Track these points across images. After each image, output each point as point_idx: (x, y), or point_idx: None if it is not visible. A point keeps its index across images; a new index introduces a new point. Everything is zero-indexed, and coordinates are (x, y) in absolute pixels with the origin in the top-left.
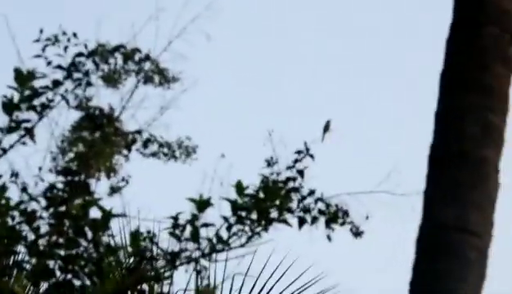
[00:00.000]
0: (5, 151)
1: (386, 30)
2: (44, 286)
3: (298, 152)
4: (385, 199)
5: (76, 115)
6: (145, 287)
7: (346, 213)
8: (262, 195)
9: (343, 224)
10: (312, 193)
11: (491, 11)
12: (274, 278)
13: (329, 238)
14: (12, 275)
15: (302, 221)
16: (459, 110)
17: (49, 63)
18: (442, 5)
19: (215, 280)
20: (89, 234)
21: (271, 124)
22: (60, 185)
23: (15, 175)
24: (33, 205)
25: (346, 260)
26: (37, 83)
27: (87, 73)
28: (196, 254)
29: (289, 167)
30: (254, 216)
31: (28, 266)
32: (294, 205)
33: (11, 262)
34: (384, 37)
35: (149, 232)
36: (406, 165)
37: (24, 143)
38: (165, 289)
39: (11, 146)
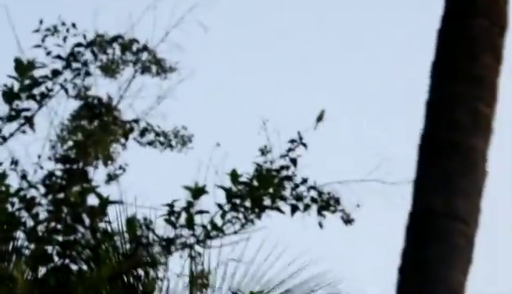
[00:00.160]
0: (5, 139)
1: (379, 20)
2: (42, 271)
3: (292, 141)
4: (376, 187)
5: (75, 104)
6: (140, 272)
7: (337, 201)
8: (256, 183)
9: (334, 211)
10: (304, 181)
11: (480, 4)
12: (267, 264)
13: (320, 225)
14: (11, 260)
15: (294, 209)
16: (449, 100)
17: (48, 53)
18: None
19: (209, 266)
20: (87, 221)
21: (266, 113)
22: (58, 173)
23: (14, 162)
24: (33, 192)
25: (337, 247)
26: (36, 73)
27: (85, 63)
28: (191, 240)
29: (282, 156)
30: (248, 203)
31: (27, 251)
32: (286, 193)
33: (10, 248)
34: (377, 27)
35: (145, 219)
36: (397, 154)
37: (23, 131)
38: (160, 274)
39: (11, 134)
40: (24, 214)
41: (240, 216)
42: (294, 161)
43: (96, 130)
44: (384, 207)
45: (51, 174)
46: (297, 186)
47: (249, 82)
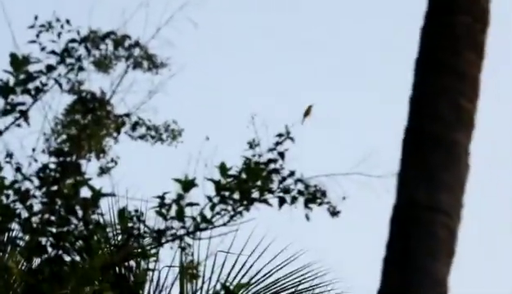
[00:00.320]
0: (0, 133)
1: (366, 15)
2: (37, 261)
3: (280, 135)
4: (361, 180)
5: (68, 99)
6: (132, 263)
7: (324, 194)
8: (244, 176)
9: (320, 204)
10: (291, 174)
11: (463, 1)
12: (255, 255)
13: (307, 217)
14: (7, 251)
15: (282, 201)
16: (432, 95)
17: (43, 48)
18: None
19: (199, 257)
20: (80, 213)
21: (254, 108)
22: (52, 166)
23: (9, 155)
24: (27, 184)
25: (324, 239)
26: (31, 68)
27: (79, 59)
28: (181, 232)
29: (270, 150)
30: (237, 196)
31: (21, 243)
32: (274, 186)
33: (5, 238)
34: (364, 23)
35: (136, 211)
36: (382, 148)
37: (18, 125)
38: (151, 265)
39: (7, 128)
40: (18, 206)
41: (229, 208)
42: (281, 154)
43: (90, 124)
44: (369, 200)
45: (45, 167)
46: (284, 179)
47: (238, 78)
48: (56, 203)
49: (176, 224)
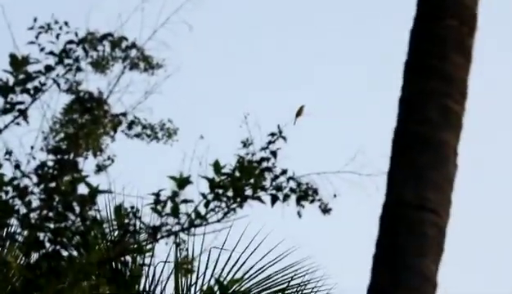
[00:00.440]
0: (0, 131)
1: (357, 20)
2: (35, 256)
3: (272, 134)
4: (352, 179)
5: (67, 98)
6: (128, 258)
7: (315, 191)
8: (237, 174)
9: (312, 201)
10: (284, 172)
11: (451, 5)
12: (248, 251)
13: (299, 214)
14: (5, 246)
15: (274, 199)
16: (420, 96)
17: (42, 49)
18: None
19: (193, 252)
20: (77, 209)
21: (248, 108)
22: (50, 163)
23: (8, 153)
24: (26, 181)
25: (315, 235)
26: (30, 68)
27: (77, 60)
28: (176, 228)
29: (263, 148)
30: (230, 193)
31: (20, 238)
32: (267, 183)
33: (4, 234)
34: (356, 27)
35: (132, 207)
36: (372, 147)
37: (17, 123)
38: (147, 260)
39: (6, 126)
40: (17, 202)
41: (223, 205)
42: (274, 153)
43: (87, 123)
44: (360, 198)
45: (43, 164)
46: (277, 177)
47: (232, 79)
48: (54, 200)
49: (171, 220)
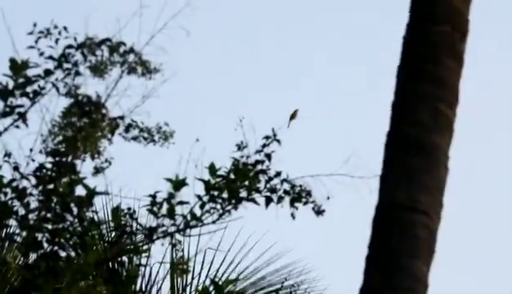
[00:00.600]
0: (0, 133)
1: (352, 25)
2: (33, 256)
3: (266, 137)
4: (345, 181)
5: (65, 102)
6: (124, 258)
7: (309, 193)
8: (232, 176)
9: (306, 203)
10: (278, 174)
11: (443, 11)
12: (243, 252)
13: (293, 216)
14: (4, 246)
15: (268, 200)
16: (413, 100)
17: (41, 54)
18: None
19: (189, 253)
20: (75, 210)
21: (243, 112)
22: (49, 165)
23: (8, 155)
24: (24, 183)
25: (309, 237)
26: (30, 72)
27: (76, 64)
28: (172, 229)
29: (257, 151)
30: (225, 195)
31: (18, 238)
32: (261, 185)
33: (3, 235)
34: (351, 30)
35: (129, 208)
36: (365, 150)
37: (17, 126)
38: (143, 261)
39: (6, 129)
40: (16, 203)
41: (218, 206)
42: (268, 156)
43: (85, 126)
44: (353, 200)
45: (42, 166)
46: (271, 179)
47: (227, 81)
48: (52, 201)
49: (167, 221)
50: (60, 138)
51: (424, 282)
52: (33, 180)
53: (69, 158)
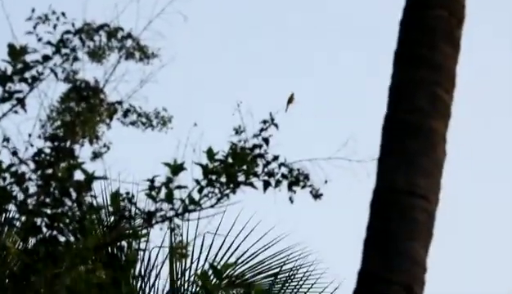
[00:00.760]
0: None
1: (350, 11)
2: (32, 241)
3: (264, 121)
4: (343, 165)
5: (64, 87)
6: (123, 243)
7: (306, 177)
8: (230, 160)
9: (303, 187)
10: (275, 158)
11: None
12: (241, 236)
13: (291, 199)
14: (4, 231)
15: (266, 184)
16: (410, 85)
17: (40, 39)
18: None
19: (187, 237)
20: (73, 195)
21: (240, 96)
22: (47, 150)
23: (6, 140)
24: (23, 168)
25: (307, 220)
26: (28, 58)
27: (74, 49)
28: (170, 213)
29: (255, 135)
30: (223, 179)
31: (18, 223)
32: (259, 170)
33: (2, 219)
34: (348, 17)
35: (127, 193)
36: (363, 134)
37: (16, 112)
38: (142, 245)
39: (4, 114)
40: (15, 188)
41: (216, 191)
42: (266, 140)
43: (83, 111)
44: (350, 184)
45: (40, 151)
46: (269, 163)
47: (225, 68)
48: (51, 186)
49: (165, 206)
50: (59, 123)
51: (422, 265)
52: (32, 165)
53: (68, 143)
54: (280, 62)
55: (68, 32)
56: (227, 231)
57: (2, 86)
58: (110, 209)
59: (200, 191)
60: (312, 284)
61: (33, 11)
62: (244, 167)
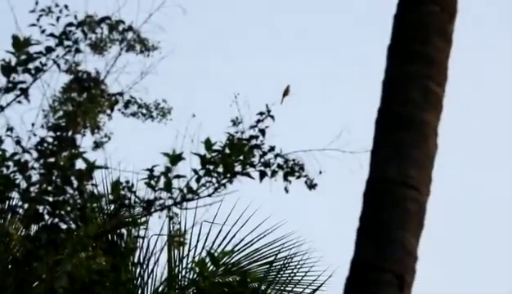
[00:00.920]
0: (2, 108)
1: (345, 6)
2: (34, 228)
3: (261, 113)
4: (337, 156)
5: (66, 78)
6: (123, 230)
7: (302, 168)
8: (228, 151)
9: (299, 177)
10: (271, 149)
11: None
12: (238, 225)
13: (286, 189)
14: (7, 218)
15: (263, 174)
16: (403, 78)
17: (43, 31)
18: None
19: (185, 225)
20: (75, 183)
21: (238, 88)
22: (50, 140)
23: (10, 129)
24: (26, 156)
25: (302, 210)
26: (32, 49)
27: (76, 41)
28: (169, 202)
29: (252, 127)
30: (221, 169)
31: (20, 210)
32: (255, 160)
33: (5, 207)
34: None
35: (127, 182)
36: (356, 126)
37: (19, 102)
38: (141, 233)
39: (8, 104)
40: (18, 176)
41: (214, 180)
42: (262, 131)
43: (85, 101)
44: (344, 174)
45: (43, 140)
46: (265, 154)
47: (222, 60)
48: (53, 174)
49: (164, 194)
50: (61, 113)
51: (413, 255)
52: (35, 154)
53: (70, 133)
54: (279, 51)
55: (70, 24)
56: (224, 220)
57: (6, 77)
58: (111, 197)
59: (198, 180)
60: (306, 272)
61: (36, 3)
62: (241, 158)
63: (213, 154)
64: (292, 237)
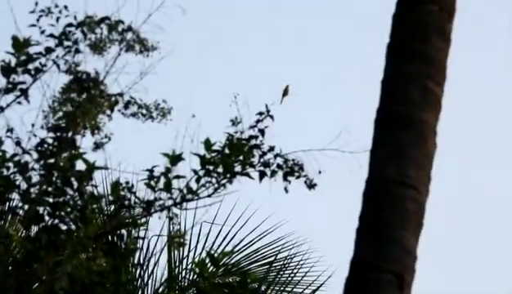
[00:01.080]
0: (2, 109)
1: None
2: (35, 229)
3: (260, 113)
4: (336, 156)
5: (65, 78)
6: (123, 231)
7: (301, 167)
8: (227, 151)
9: (298, 177)
10: (271, 149)
11: None
12: (238, 225)
13: (286, 189)
14: (7, 220)
15: (262, 175)
16: (402, 78)
17: (43, 32)
18: None
19: (185, 226)
20: (75, 184)
21: (237, 88)
22: (50, 140)
23: (10, 130)
24: (26, 157)
25: (301, 210)
26: (31, 50)
27: (76, 42)
28: (169, 203)
29: (251, 127)
30: (220, 169)
31: (21, 212)
32: (255, 160)
33: (6, 208)
34: (342, 7)
35: (127, 182)
36: (355, 126)
37: (19, 102)
38: (141, 234)
39: (8, 105)
40: (18, 177)
41: (213, 180)
42: (261, 131)
43: (85, 102)
44: (343, 174)
45: (43, 141)
46: (264, 154)
47: (222, 60)
48: (53, 175)
49: (164, 195)
50: (61, 114)
51: (413, 254)
52: (35, 155)
53: (70, 134)
54: (279, 51)
55: (70, 25)
56: (224, 220)
57: (5, 78)
58: (111, 198)
59: (198, 181)
60: (306, 272)
61: (36, 4)
62: (241, 158)
63: (213, 154)
64: (292, 237)
